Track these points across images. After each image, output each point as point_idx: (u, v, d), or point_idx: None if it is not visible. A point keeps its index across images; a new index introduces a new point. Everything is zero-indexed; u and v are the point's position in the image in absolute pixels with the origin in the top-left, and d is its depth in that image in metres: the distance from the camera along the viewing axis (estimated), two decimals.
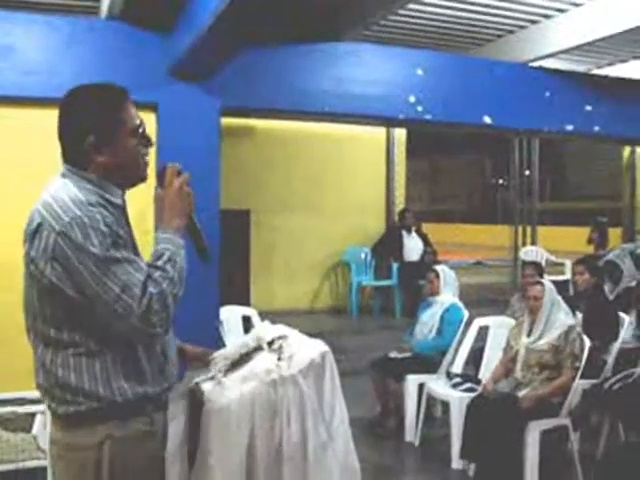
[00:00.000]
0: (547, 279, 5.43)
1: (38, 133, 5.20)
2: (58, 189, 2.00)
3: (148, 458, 2.10)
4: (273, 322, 2.84)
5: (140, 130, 2.12)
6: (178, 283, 1.99)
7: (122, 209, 2.12)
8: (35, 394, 4.70)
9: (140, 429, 2.06)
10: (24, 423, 4.74)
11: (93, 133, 2.02)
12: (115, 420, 2.01)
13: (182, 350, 2.49)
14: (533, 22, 6.86)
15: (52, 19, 5.33)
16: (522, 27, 7.01)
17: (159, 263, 1.98)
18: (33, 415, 4.79)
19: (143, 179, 2.15)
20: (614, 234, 11.37)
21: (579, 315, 5.54)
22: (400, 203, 10.97)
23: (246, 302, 7.69)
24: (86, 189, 2.01)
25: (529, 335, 4.87)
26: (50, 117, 5.24)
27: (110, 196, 2.05)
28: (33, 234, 1.94)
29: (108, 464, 2.00)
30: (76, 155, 2.05)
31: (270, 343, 2.61)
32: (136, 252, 2.07)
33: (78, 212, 1.91)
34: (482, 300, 9.62)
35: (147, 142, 2.15)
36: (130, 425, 2.04)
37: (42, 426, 4.61)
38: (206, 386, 2.45)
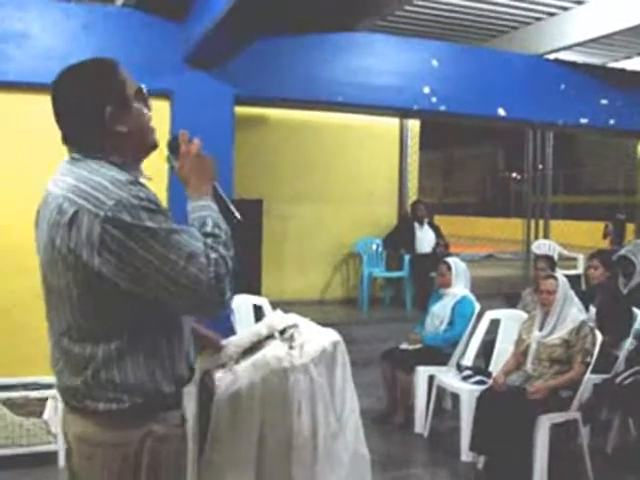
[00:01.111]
0: (559, 273, 5.40)
1: (52, 119, 5.22)
2: (80, 173, 1.89)
3: (181, 452, 2.05)
4: (284, 311, 2.84)
5: (142, 90, 2.05)
6: (230, 245, 1.93)
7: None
8: (46, 379, 4.73)
9: (175, 423, 2.00)
10: (36, 408, 4.77)
11: (109, 103, 1.93)
12: (154, 416, 1.94)
13: (196, 330, 2.41)
14: (550, 14, 6.81)
15: (68, 6, 5.33)
16: (538, 19, 6.96)
17: (208, 230, 1.91)
18: (44, 400, 4.82)
19: (156, 146, 2.08)
20: (629, 229, 11.32)
21: (592, 310, 5.52)
22: (413, 195, 10.94)
23: (257, 291, 7.69)
24: (111, 169, 1.90)
25: (541, 329, 4.85)
26: None
27: (133, 176, 1.93)
28: (70, 224, 1.81)
29: (148, 460, 1.92)
30: (92, 135, 1.95)
31: (282, 332, 2.61)
32: None
33: (122, 193, 1.80)
34: (493, 293, 9.59)
35: (149, 104, 2.07)
36: (168, 420, 1.97)
37: (53, 411, 4.64)
38: (217, 374, 2.45)
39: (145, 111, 2.04)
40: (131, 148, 1.99)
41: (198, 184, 2.04)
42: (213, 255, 1.84)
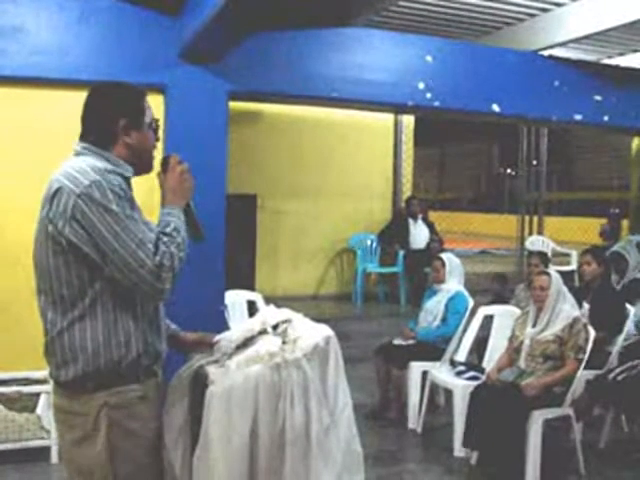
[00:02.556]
0: (553, 269, 5.42)
1: (47, 114, 5.20)
2: (77, 161, 2.23)
3: (142, 422, 2.28)
4: (278, 307, 2.84)
5: (156, 124, 2.42)
6: (183, 248, 2.22)
7: (130, 184, 2.32)
8: (40, 374, 4.74)
9: (134, 396, 2.25)
10: (28, 403, 4.77)
11: (126, 117, 2.30)
12: (110, 388, 2.20)
13: (182, 338, 2.64)
14: (544, 10, 6.81)
15: (62, 0, 5.31)
16: (533, 15, 6.96)
17: (167, 230, 2.21)
18: (37, 395, 4.81)
19: (150, 169, 2.43)
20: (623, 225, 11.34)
21: (585, 306, 5.53)
22: (407, 190, 10.96)
23: (251, 287, 7.70)
24: (103, 162, 2.23)
25: (534, 325, 4.87)
26: (59, 97, 5.22)
27: (122, 170, 2.28)
28: (52, 198, 2.15)
29: (105, 430, 2.20)
30: (103, 135, 2.30)
31: (275, 327, 2.62)
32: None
33: (97, 177, 2.13)
34: (487, 289, 9.61)
35: (157, 137, 2.44)
36: (124, 392, 2.23)
37: (46, 406, 4.64)
38: (210, 369, 2.45)
39: (151, 138, 2.41)
40: (129, 156, 2.33)
41: (174, 198, 2.36)
42: (162, 248, 2.15)
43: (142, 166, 2.39)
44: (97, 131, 2.31)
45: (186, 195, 2.40)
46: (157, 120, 2.44)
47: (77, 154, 2.29)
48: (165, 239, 2.17)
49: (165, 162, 2.43)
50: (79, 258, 2.14)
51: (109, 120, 2.30)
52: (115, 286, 2.17)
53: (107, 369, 2.19)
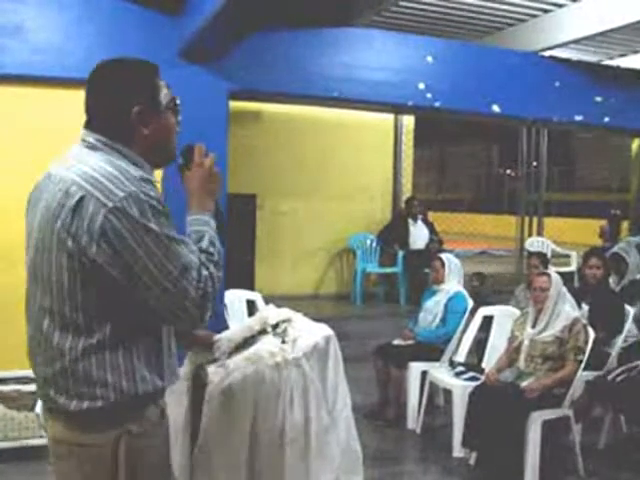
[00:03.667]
0: (552, 270, 5.41)
1: (47, 112, 5.20)
2: (96, 161, 1.88)
3: (160, 445, 2.03)
4: (277, 306, 2.84)
5: (176, 102, 2.08)
6: (220, 266, 1.95)
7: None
8: None
9: (153, 421, 1.98)
10: (28, 401, 4.76)
11: (139, 103, 1.95)
12: (130, 415, 1.91)
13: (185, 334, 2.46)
14: (545, 11, 6.81)
15: None
16: (534, 16, 6.96)
17: (203, 246, 1.93)
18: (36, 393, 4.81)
19: (173, 158, 2.11)
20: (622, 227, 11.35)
21: (584, 307, 5.53)
22: (407, 191, 10.95)
23: (250, 286, 7.69)
24: (127, 163, 1.91)
25: (534, 326, 4.86)
26: (59, 96, 5.21)
27: (148, 175, 1.95)
28: (75, 208, 1.80)
29: (125, 459, 1.89)
30: (116, 126, 1.95)
31: (274, 326, 2.62)
32: None
33: (133, 187, 1.80)
34: (488, 289, 9.60)
35: (178, 118, 2.10)
36: (144, 418, 1.95)
37: None
38: (210, 368, 2.45)
39: (171, 121, 2.05)
40: (149, 151, 1.99)
41: (203, 199, 2.05)
42: (204, 272, 1.86)
43: (163, 157, 2.08)
44: (107, 120, 1.96)
45: (215, 193, 2.10)
46: (175, 98, 2.08)
47: (91, 148, 1.94)
48: (204, 258, 1.89)
49: (188, 153, 2.12)
50: (102, 281, 1.82)
51: (120, 107, 1.95)
52: (140, 313, 1.88)
53: (129, 402, 1.90)
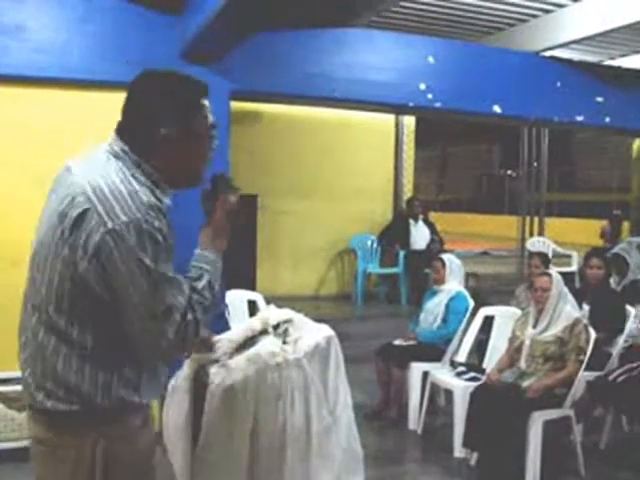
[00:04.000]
0: (554, 270, 5.41)
1: (49, 113, 5.20)
2: (111, 173, 1.84)
3: (142, 450, 2.01)
4: (278, 307, 2.84)
5: (214, 129, 2.02)
6: (209, 312, 1.92)
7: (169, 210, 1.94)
8: None
9: (132, 427, 1.96)
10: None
11: (167, 126, 1.90)
12: (107, 420, 1.91)
13: None
14: (546, 11, 6.81)
15: None
16: (535, 16, 6.96)
17: (199, 286, 1.90)
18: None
19: (199, 183, 2.04)
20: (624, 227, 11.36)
21: (585, 307, 5.53)
22: (408, 191, 10.96)
23: (251, 287, 7.69)
24: (142, 183, 1.86)
25: (535, 326, 4.86)
26: (61, 96, 5.21)
27: (164, 197, 1.90)
28: (76, 219, 1.79)
29: (102, 461, 1.89)
30: (141, 140, 1.91)
31: (276, 327, 2.62)
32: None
33: (138, 214, 1.76)
34: (488, 290, 9.61)
35: (213, 146, 2.04)
36: (123, 423, 1.94)
37: None
38: (211, 369, 2.45)
39: (205, 149, 2.00)
40: (170, 172, 1.94)
41: (217, 239, 2.02)
42: (189, 317, 1.83)
43: (184, 182, 2.00)
44: (135, 133, 1.92)
45: (227, 236, 2.04)
46: (213, 126, 2.01)
47: (114, 155, 1.90)
48: (194, 300, 1.86)
49: (216, 184, 2.05)
50: (89, 295, 1.82)
51: (148, 123, 1.90)
52: (122, 330, 1.85)
53: (106, 408, 1.89)
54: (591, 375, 5.00)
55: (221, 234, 2.02)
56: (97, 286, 1.79)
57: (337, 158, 10.19)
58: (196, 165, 2.00)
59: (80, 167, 1.90)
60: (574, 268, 10.09)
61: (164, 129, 1.89)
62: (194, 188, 2.03)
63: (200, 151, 2.00)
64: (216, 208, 2.03)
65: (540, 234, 12.79)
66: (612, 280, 6.26)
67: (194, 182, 2.02)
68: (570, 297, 4.95)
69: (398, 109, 8.63)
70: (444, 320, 5.76)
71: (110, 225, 1.74)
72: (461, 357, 5.63)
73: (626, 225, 11.33)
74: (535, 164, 12.72)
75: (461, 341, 5.71)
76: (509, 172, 26.01)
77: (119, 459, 1.91)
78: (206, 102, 2.00)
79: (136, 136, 1.91)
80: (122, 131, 1.94)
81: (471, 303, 5.78)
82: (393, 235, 10.12)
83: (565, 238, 14.32)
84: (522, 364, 4.81)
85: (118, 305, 1.80)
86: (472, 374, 5.24)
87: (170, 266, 1.82)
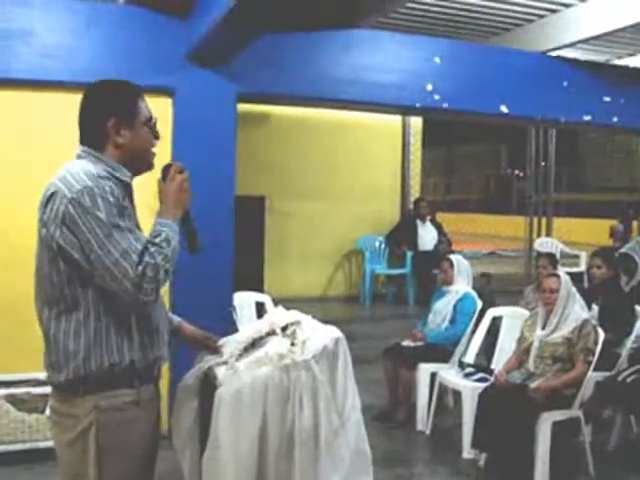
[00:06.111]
0: (562, 271, 5.40)
1: (57, 116, 5.22)
2: (74, 165, 2.24)
3: (132, 426, 2.25)
4: (286, 308, 2.84)
5: (152, 122, 2.39)
6: (171, 260, 2.18)
7: (129, 187, 2.35)
8: None
9: (126, 400, 2.24)
10: (38, 404, 4.78)
11: (115, 116, 2.29)
12: (101, 392, 2.20)
13: (187, 334, 2.64)
14: (552, 11, 6.79)
15: (71, 3, 5.31)
16: (541, 16, 6.94)
17: (156, 240, 2.18)
18: (47, 396, 4.82)
19: (150, 167, 2.41)
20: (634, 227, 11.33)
21: (594, 308, 5.51)
22: (415, 192, 10.95)
23: (259, 288, 7.70)
24: (99, 166, 2.24)
25: (543, 327, 4.85)
26: (68, 100, 5.24)
27: (119, 174, 2.29)
28: (47, 201, 2.17)
29: (95, 432, 2.19)
30: (95, 136, 2.30)
31: (284, 328, 2.62)
32: (138, 227, 2.32)
33: (89, 182, 2.13)
34: (495, 290, 9.60)
35: (157, 134, 2.41)
36: (116, 397, 2.22)
37: None
38: (219, 370, 2.46)
39: (146, 136, 2.37)
40: (126, 159, 2.32)
41: (170, 208, 2.32)
42: (147, 258, 2.12)
43: (140, 165, 2.38)
44: (89, 132, 2.33)
45: (182, 206, 2.37)
46: (154, 118, 2.41)
47: (78, 157, 2.31)
48: (152, 249, 2.14)
49: (166, 170, 2.40)
50: (70, 264, 2.14)
51: (98, 120, 2.30)
52: (107, 293, 2.16)
53: (98, 374, 2.19)
54: (600, 376, 4.98)
55: (174, 205, 2.33)
56: (72, 251, 2.12)
57: (344, 159, 10.20)
58: (144, 149, 2.38)
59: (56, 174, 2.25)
60: (582, 268, 10.07)
61: (112, 119, 2.28)
62: (146, 172, 2.41)
63: (144, 137, 2.37)
64: (166, 187, 2.36)
65: (548, 234, 12.76)
66: (622, 280, 6.24)
67: (146, 166, 2.40)
68: (579, 297, 4.94)
69: (405, 110, 8.62)
70: (452, 321, 5.76)
71: (69, 195, 2.11)
72: (469, 358, 5.63)
73: (635, 225, 11.30)
74: (543, 164, 12.69)
75: (469, 342, 5.71)
76: (516, 172, 25.97)
77: (109, 431, 2.21)
78: (142, 98, 2.39)
79: (90, 135, 2.32)
80: (81, 137, 2.34)
81: (479, 304, 5.77)
82: (401, 236, 10.12)
83: (573, 238, 14.29)
84: (530, 365, 4.81)
85: (89, 264, 2.11)
86: (480, 375, 5.23)
87: (126, 221, 2.16)
